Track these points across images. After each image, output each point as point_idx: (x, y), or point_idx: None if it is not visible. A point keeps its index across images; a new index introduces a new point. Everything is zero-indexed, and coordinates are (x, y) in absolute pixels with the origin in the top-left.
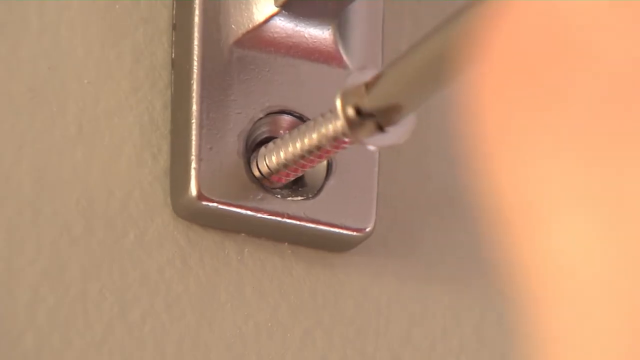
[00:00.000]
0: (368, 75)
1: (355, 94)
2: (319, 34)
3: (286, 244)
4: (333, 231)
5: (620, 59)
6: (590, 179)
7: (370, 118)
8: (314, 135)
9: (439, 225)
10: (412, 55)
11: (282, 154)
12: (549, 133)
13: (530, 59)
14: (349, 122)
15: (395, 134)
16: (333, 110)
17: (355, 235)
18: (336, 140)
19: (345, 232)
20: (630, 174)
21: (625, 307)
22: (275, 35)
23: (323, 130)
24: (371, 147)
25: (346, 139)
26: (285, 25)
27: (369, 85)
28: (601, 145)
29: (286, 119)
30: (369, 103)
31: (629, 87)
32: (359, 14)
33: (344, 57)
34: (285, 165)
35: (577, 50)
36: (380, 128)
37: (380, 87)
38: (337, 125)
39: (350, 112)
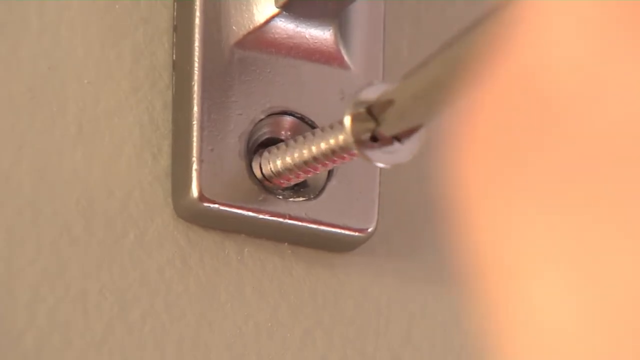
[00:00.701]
0: (378, 91)
1: (364, 110)
2: (319, 34)
3: (286, 244)
4: (335, 232)
5: (600, 118)
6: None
7: (378, 135)
8: (322, 145)
9: (440, 225)
10: (422, 71)
11: (287, 159)
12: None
13: (511, 116)
14: (357, 139)
15: (404, 151)
16: (342, 124)
17: (357, 236)
18: (343, 151)
19: (347, 232)
20: (607, 231)
21: None
22: (276, 36)
23: (331, 141)
24: (379, 165)
25: (353, 151)
26: (286, 26)
27: (378, 102)
28: (577, 203)
29: (287, 119)
30: (378, 120)
31: (608, 147)
32: (359, 14)
33: (345, 57)
34: (290, 170)
35: (558, 110)
36: (388, 144)
37: (390, 103)
38: (345, 139)
39: (359, 129)
